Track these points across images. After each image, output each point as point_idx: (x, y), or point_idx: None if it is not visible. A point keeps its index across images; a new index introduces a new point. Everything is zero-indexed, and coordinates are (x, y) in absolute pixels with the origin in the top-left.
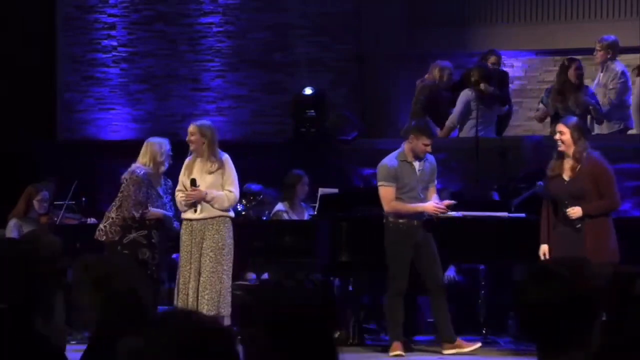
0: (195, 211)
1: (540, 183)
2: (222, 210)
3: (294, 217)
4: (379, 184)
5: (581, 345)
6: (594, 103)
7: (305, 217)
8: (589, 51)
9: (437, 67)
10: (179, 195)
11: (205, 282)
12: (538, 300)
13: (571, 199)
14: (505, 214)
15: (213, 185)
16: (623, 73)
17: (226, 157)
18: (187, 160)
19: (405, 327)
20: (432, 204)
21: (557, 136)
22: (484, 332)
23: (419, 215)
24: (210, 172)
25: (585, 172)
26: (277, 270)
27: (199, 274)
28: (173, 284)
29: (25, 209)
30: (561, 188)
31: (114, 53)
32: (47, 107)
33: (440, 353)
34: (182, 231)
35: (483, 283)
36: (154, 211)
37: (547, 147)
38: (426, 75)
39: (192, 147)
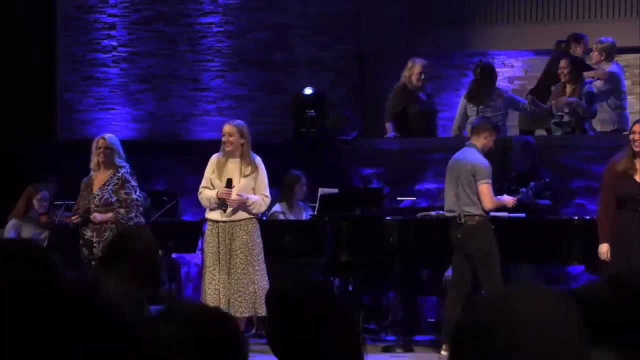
0: (225, 211)
1: (523, 190)
2: (252, 214)
3: (291, 218)
4: (484, 181)
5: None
6: (576, 102)
7: (304, 217)
8: (589, 51)
9: (407, 65)
10: (205, 192)
11: (237, 284)
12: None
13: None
14: (505, 214)
15: (245, 188)
16: (614, 74)
17: (259, 159)
18: (215, 158)
19: (405, 327)
20: (512, 198)
21: (637, 136)
22: None
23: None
24: (245, 176)
25: None
26: (276, 271)
27: (228, 275)
28: (173, 284)
29: (25, 209)
30: (635, 189)
31: (114, 53)
32: (47, 107)
33: (440, 353)
34: (207, 232)
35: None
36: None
37: (536, 147)
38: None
39: (228, 148)
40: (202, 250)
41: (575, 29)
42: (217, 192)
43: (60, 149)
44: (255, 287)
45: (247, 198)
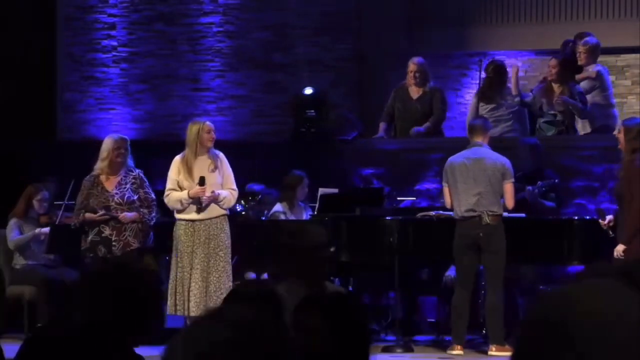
0: (199, 212)
1: (529, 188)
2: (223, 209)
3: (292, 218)
4: (511, 180)
5: None
6: (572, 102)
7: (305, 217)
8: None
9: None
10: (174, 195)
11: (219, 282)
12: None
13: (616, 199)
14: (505, 214)
15: (215, 184)
16: (600, 72)
17: (222, 154)
18: (179, 159)
19: (405, 327)
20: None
21: (615, 132)
22: (483, 332)
23: None
24: (213, 171)
25: (624, 174)
26: (277, 270)
27: (207, 274)
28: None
29: (25, 209)
30: (616, 188)
31: (114, 53)
32: (47, 107)
33: (444, 352)
34: (180, 231)
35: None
36: (87, 216)
37: (542, 148)
38: None
39: (210, 145)
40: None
41: (575, 29)
42: (189, 191)
43: (60, 149)
44: (230, 284)
45: (219, 194)
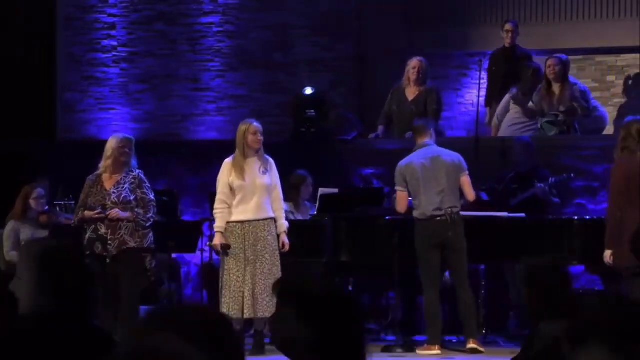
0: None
1: (540, 185)
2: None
3: (299, 218)
4: (467, 173)
5: None
6: (579, 99)
7: (309, 216)
8: (589, 51)
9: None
10: (219, 216)
11: (265, 285)
12: None
13: None
14: (505, 214)
15: (265, 186)
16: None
17: (272, 160)
18: (230, 161)
19: (405, 327)
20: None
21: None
22: (484, 332)
23: None
24: (264, 173)
25: (611, 175)
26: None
27: (253, 276)
28: (173, 284)
29: (23, 210)
30: None
31: (114, 53)
32: (47, 107)
33: (444, 352)
34: (227, 234)
35: (483, 283)
36: (86, 214)
37: (536, 147)
38: None
39: (257, 147)
40: (221, 252)
41: (575, 29)
42: (222, 239)
43: (60, 149)
44: None
45: (286, 237)
